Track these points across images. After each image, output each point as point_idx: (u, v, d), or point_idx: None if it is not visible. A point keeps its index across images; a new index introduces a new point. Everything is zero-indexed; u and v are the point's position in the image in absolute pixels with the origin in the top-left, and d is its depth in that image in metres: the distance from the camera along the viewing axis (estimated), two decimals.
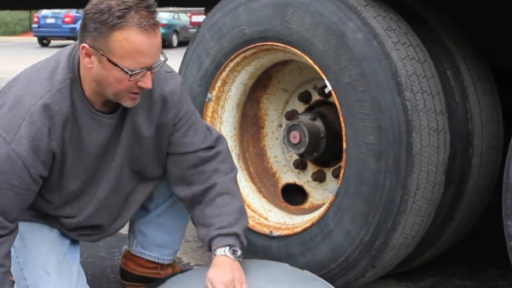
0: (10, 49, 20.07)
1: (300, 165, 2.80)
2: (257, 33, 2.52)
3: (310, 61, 2.37)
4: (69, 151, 2.05)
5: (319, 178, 2.73)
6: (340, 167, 2.43)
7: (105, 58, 1.91)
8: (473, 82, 2.42)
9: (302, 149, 2.60)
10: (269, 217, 2.68)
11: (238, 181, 2.74)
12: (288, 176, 2.84)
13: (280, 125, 2.86)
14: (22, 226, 2.18)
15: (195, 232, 2.83)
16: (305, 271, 2.28)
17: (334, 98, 2.33)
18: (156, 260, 2.55)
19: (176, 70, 2.57)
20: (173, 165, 2.26)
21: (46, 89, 1.99)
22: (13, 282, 2.27)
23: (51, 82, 2.00)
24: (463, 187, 2.41)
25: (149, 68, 1.95)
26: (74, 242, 2.33)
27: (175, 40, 22.29)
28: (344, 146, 2.31)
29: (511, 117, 2.64)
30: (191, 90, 2.71)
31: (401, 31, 2.27)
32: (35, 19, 23.45)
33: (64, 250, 2.24)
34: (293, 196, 2.82)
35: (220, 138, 2.29)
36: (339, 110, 2.31)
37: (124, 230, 2.69)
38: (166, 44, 20.84)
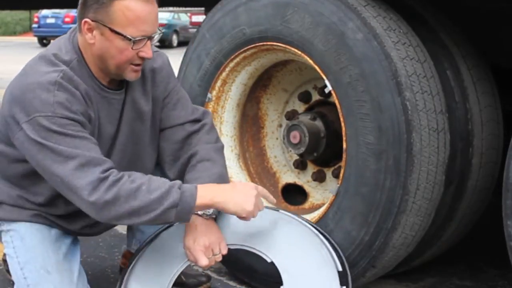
0: (10, 49, 20.08)
1: (300, 165, 2.80)
2: (257, 33, 2.52)
3: (310, 61, 2.37)
4: (92, 127, 2.08)
5: (319, 178, 2.73)
6: (340, 167, 2.43)
7: (107, 28, 1.98)
8: (473, 82, 2.42)
9: (302, 149, 2.60)
10: None
11: (238, 181, 2.76)
12: (288, 176, 2.84)
13: (280, 125, 2.86)
14: (22, 226, 2.18)
15: None
16: (281, 211, 2.28)
17: (334, 98, 2.33)
18: None
19: (176, 70, 2.58)
20: (163, 141, 2.30)
21: (63, 65, 2.03)
22: (13, 282, 2.27)
23: (62, 62, 2.04)
24: (463, 187, 2.41)
25: (149, 37, 2.02)
26: (74, 242, 2.33)
27: (175, 40, 22.29)
28: (344, 146, 2.31)
29: (511, 117, 2.64)
30: (191, 90, 2.71)
31: (401, 31, 2.27)
32: (35, 19, 23.46)
33: (64, 249, 2.24)
34: (293, 196, 2.82)
35: (206, 112, 2.34)
36: (339, 110, 2.31)
37: (124, 230, 2.70)
38: (166, 44, 20.83)
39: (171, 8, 19.26)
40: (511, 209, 1.92)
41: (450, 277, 2.76)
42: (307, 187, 2.79)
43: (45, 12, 22.51)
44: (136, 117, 2.21)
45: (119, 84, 2.15)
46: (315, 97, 2.75)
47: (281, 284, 2.13)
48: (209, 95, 2.72)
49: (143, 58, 2.04)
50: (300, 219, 2.25)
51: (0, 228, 2.25)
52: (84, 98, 2.03)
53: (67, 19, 22.58)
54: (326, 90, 2.36)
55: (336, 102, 2.31)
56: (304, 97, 2.78)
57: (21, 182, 2.18)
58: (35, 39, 23.79)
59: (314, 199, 2.75)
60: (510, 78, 2.82)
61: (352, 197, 2.29)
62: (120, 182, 1.94)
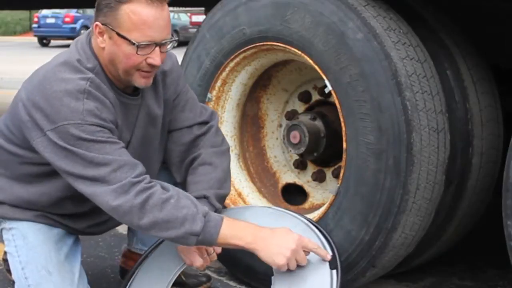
0: (10, 49, 20.08)
1: (300, 165, 2.80)
2: (257, 33, 2.52)
3: (310, 61, 2.37)
4: (119, 128, 2.09)
5: (319, 178, 2.73)
6: (340, 167, 2.43)
7: (114, 32, 1.97)
8: (473, 82, 2.42)
9: (302, 149, 2.60)
10: None
11: (238, 181, 2.76)
12: (288, 176, 2.84)
13: (280, 125, 2.86)
14: (25, 225, 2.18)
15: None
16: (272, 207, 2.30)
17: (334, 98, 2.33)
18: None
19: None
20: (171, 143, 2.30)
21: (89, 73, 2.02)
22: (13, 282, 2.27)
23: (86, 69, 2.03)
24: (463, 187, 2.41)
25: (158, 44, 1.99)
26: (76, 242, 2.33)
27: None
28: (344, 146, 2.31)
29: (511, 117, 2.64)
30: None
31: (401, 31, 2.27)
32: (35, 19, 23.48)
33: (66, 250, 2.24)
34: (293, 196, 2.82)
35: (214, 114, 2.34)
36: (339, 110, 2.31)
37: (124, 230, 2.70)
38: None
39: (171, 8, 19.21)
40: (511, 209, 1.92)
41: (450, 277, 2.76)
42: (307, 187, 2.79)
43: (45, 12, 22.53)
44: (149, 122, 2.20)
45: (135, 89, 2.13)
46: (315, 97, 2.75)
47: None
48: (209, 95, 2.72)
49: (151, 65, 2.01)
50: (290, 212, 2.26)
51: (1, 226, 2.24)
52: (113, 105, 2.03)
53: (67, 19, 22.61)
54: (326, 90, 2.36)
55: (336, 102, 2.31)
56: (304, 97, 2.78)
57: (30, 183, 2.17)
58: (35, 39, 23.80)
59: (314, 199, 2.75)
60: (510, 78, 2.82)
61: (352, 197, 2.29)
62: (151, 190, 1.94)
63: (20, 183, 2.18)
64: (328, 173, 2.72)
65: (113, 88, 2.07)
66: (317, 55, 2.34)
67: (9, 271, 2.48)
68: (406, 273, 2.66)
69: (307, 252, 2.01)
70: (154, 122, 2.22)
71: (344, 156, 2.32)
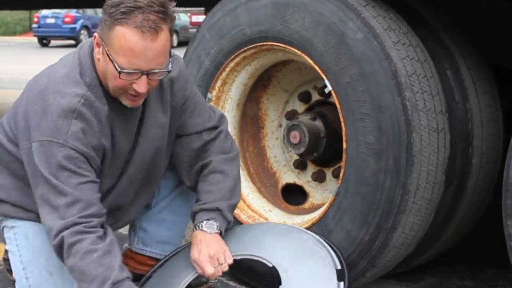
0: (10, 49, 20.07)
1: (300, 165, 2.80)
2: (257, 33, 2.52)
3: (310, 61, 2.37)
4: (107, 148, 2.08)
5: (319, 178, 2.73)
6: (340, 167, 2.43)
7: (105, 50, 1.94)
8: (473, 82, 2.42)
9: (302, 149, 2.60)
10: (269, 217, 2.68)
11: None
12: (288, 176, 2.84)
13: (280, 125, 2.86)
14: (27, 225, 2.18)
15: None
16: (283, 224, 2.33)
17: (334, 98, 2.33)
18: (158, 257, 2.55)
19: None
20: (179, 148, 2.30)
21: (84, 89, 2.01)
22: (13, 281, 2.27)
23: (84, 82, 2.02)
24: (463, 187, 2.41)
25: (145, 73, 1.95)
26: None
27: (175, 40, 22.27)
28: (344, 146, 2.31)
29: (511, 117, 2.64)
30: None
31: (401, 31, 2.27)
32: (35, 19, 23.47)
33: None
34: (293, 196, 2.82)
35: (222, 117, 2.34)
36: (339, 110, 2.31)
37: (124, 230, 2.69)
38: None
39: None
40: (511, 209, 1.92)
41: (450, 277, 2.76)
42: (307, 187, 2.79)
43: (45, 12, 22.52)
44: (155, 131, 2.20)
45: None
46: (315, 97, 2.75)
47: (280, 283, 2.13)
48: (209, 95, 2.72)
49: (135, 91, 1.98)
50: (301, 229, 2.32)
51: (3, 224, 2.24)
52: (102, 124, 2.02)
53: (67, 19, 22.61)
54: (326, 90, 2.36)
55: (336, 102, 2.32)
56: (304, 97, 2.78)
57: (30, 186, 2.17)
58: (35, 39, 23.79)
59: (314, 199, 2.75)
60: (510, 78, 2.82)
61: (352, 197, 2.29)
62: (85, 235, 1.95)
63: (21, 185, 2.18)
64: (328, 173, 2.72)
65: (110, 100, 2.05)
66: (317, 55, 2.34)
67: (9, 270, 2.48)
68: (406, 273, 2.66)
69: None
70: (160, 130, 2.21)
71: (344, 156, 2.32)
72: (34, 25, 23.52)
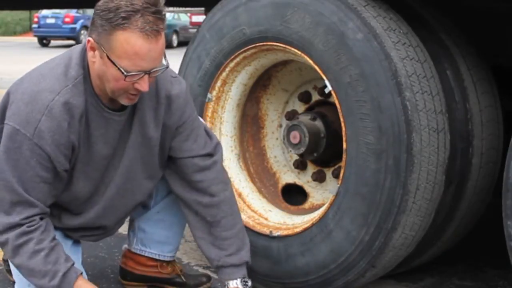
0: (10, 49, 20.07)
1: (300, 165, 2.80)
2: (257, 33, 2.52)
3: (310, 61, 2.37)
4: (81, 147, 2.09)
5: (319, 178, 2.73)
6: (340, 167, 2.43)
7: (105, 54, 1.95)
8: (473, 82, 2.42)
9: (302, 149, 2.60)
10: (269, 217, 2.68)
11: (238, 182, 2.76)
12: (288, 176, 2.84)
13: (280, 125, 2.85)
14: None
15: None
16: None
17: (334, 98, 2.33)
18: (157, 257, 2.55)
19: (176, 70, 2.58)
20: (173, 167, 2.32)
21: (63, 84, 2.02)
22: (14, 282, 2.27)
23: (66, 77, 2.04)
24: (463, 187, 2.41)
25: (147, 72, 1.97)
26: (76, 242, 2.34)
27: (175, 40, 22.30)
28: (344, 146, 2.31)
29: (511, 117, 2.64)
30: (191, 90, 2.71)
31: (401, 31, 2.27)
32: (35, 19, 23.46)
33: (66, 250, 2.24)
34: (293, 196, 2.82)
35: (218, 146, 2.34)
36: (339, 110, 2.31)
37: (124, 230, 2.69)
38: (166, 44, 20.73)
39: (171, 8, 19.22)
40: (511, 209, 1.92)
41: (450, 277, 2.76)
42: (307, 187, 2.79)
43: (45, 12, 22.52)
44: (142, 142, 2.19)
45: (122, 105, 2.10)
46: (315, 97, 2.75)
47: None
48: (209, 95, 2.72)
49: (138, 90, 2.00)
50: None
51: None
52: (75, 122, 2.02)
53: (67, 19, 22.60)
54: (326, 90, 2.36)
55: (336, 102, 2.31)
56: (304, 97, 2.78)
57: None
58: (35, 39, 23.79)
59: (314, 199, 2.75)
60: (510, 78, 2.82)
61: (352, 197, 2.29)
62: (30, 236, 2.04)
63: None
64: (328, 173, 2.72)
65: (95, 99, 2.06)
66: (317, 55, 2.34)
67: (9, 271, 2.48)
68: (406, 273, 2.66)
69: None
70: (148, 143, 2.20)
71: (344, 156, 2.32)
72: (34, 25, 23.51)
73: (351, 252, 2.31)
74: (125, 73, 1.94)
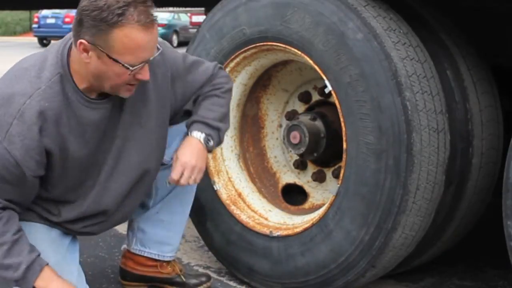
0: (10, 49, 20.06)
1: (300, 165, 2.80)
2: (257, 33, 2.52)
3: (310, 61, 2.37)
4: (72, 145, 2.07)
5: (319, 178, 2.73)
6: (340, 167, 2.43)
7: (105, 54, 1.94)
8: (473, 82, 2.42)
9: (302, 149, 2.60)
10: (269, 217, 2.68)
11: (238, 182, 2.76)
12: (288, 176, 2.84)
13: (280, 125, 2.85)
14: (22, 226, 2.18)
15: (195, 232, 2.86)
16: None
17: (334, 98, 2.33)
18: (157, 257, 2.55)
19: None
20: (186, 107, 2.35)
21: (36, 87, 2.00)
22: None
23: (39, 79, 2.01)
24: (463, 187, 2.40)
25: (147, 61, 2.00)
26: (73, 242, 2.33)
27: (175, 40, 22.29)
28: (344, 146, 2.31)
29: (511, 117, 2.64)
30: None
31: (401, 31, 2.27)
32: (35, 19, 23.46)
33: (63, 250, 2.24)
34: (293, 196, 2.82)
35: (215, 66, 2.39)
36: (339, 110, 2.31)
37: (123, 230, 2.69)
38: None
39: (171, 8, 19.24)
40: (511, 209, 1.92)
41: (450, 277, 2.76)
42: (307, 187, 2.79)
43: (45, 12, 22.51)
44: (133, 120, 2.18)
45: (101, 93, 2.09)
46: (315, 97, 2.75)
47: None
48: None
49: (139, 80, 2.02)
50: None
51: None
52: (47, 126, 2.00)
53: (67, 19, 22.57)
54: (326, 90, 2.36)
55: (336, 102, 2.31)
56: (304, 97, 2.78)
57: None
58: (35, 39, 23.78)
59: (314, 199, 2.75)
60: (510, 78, 2.82)
61: (352, 197, 2.29)
62: None
63: None
64: (328, 173, 2.72)
65: (79, 95, 2.04)
66: (317, 55, 2.34)
67: None
68: (406, 273, 2.66)
69: None
70: (139, 121, 2.19)
71: (344, 156, 2.32)
72: (34, 25, 23.51)
73: (351, 252, 2.31)
74: (130, 68, 1.95)
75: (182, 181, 2.22)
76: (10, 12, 24.98)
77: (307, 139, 2.57)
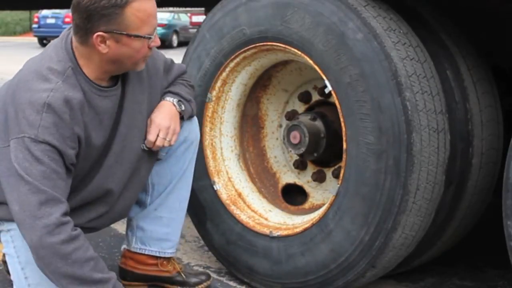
0: (10, 49, 20.07)
1: (300, 165, 2.80)
2: (257, 33, 2.52)
3: (310, 61, 2.37)
4: (92, 133, 2.13)
5: (319, 178, 2.73)
6: (340, 167, 2.43)
7: (124, 35, 2.04)
8: (473, 82, 2.42)
9: (302, 149, 2.60)
10: (269, 217, 2.68)
11: (238, 182, 2.77)
12: (288, 176, 2.84)
13: (280, 125, 2.85)
14: None
15: (195, 232, 2.86)
16: None
17: (334, 98, 2.33)
18: (157, 254, 2.56)
19: None
20: None
21: (54, 81, 2.05)
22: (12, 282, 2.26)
23: (54, 75, 2.06)
24: (463, 187, 2.40)
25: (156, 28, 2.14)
26: None
27: (175, 40, 22.29)
28: (344, 146, 2.31)
29: (511, 117, 2.64)
30: None
31: (401, 31, 2.27)
32: (35, 19, 23.46)
33: None
34: (293, 196, 2.82)
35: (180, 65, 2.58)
36: (339, 110, 2.31)
37: (123, 230, 2.70)
38: (166, 44, 20.82)
39: (171, 8, 19.24)
40: (511, 209, 1.92)
41: (450, 277, 2.76)
42: (307, 187, 2.79)
43: (45, 12, 22.52)
44: (135, 107, 2.27)
45: (113, 79, 2.20)
46: (315, 97, 2.75)
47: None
48: (209, 95, 2.72)
49: (151, 48, 2.14)
50: None
51: (0, 228, 2.24)
52: (75, 112, 2.05)
53: (67, 19, 22.55)
54: (326, 90, 2.36)
55: (336, 102, 2.31)
56: (304, 97, 2.78)
57: None
58: (35, 39, 23.78)
59: (314, 199, 2.75)
60: (510, 78, 2.82)
61: (352, 197, 2.29)
62: (77, 243, 2.01)
63: None
64: (328, 173, 2.72)
65: (91, 85, 2.12)
66: (317, 55, 2.34)
67: (9, 272, 2.48)
68: (406, 273, 2.66)
69: None
70: (139, 106, 2.28)
71: (344, 156, 2.32)
72: (34, 25, 23.51)
73: (351, 252, 2.31)
74: (150, 37, 2.08)
75: (158, 142, 2.32)
76: (10, 12, 24.98)
77: (307, 139, 2.57)
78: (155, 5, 2.10)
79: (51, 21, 22.83)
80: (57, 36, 2.29)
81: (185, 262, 2.92)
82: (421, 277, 2.75)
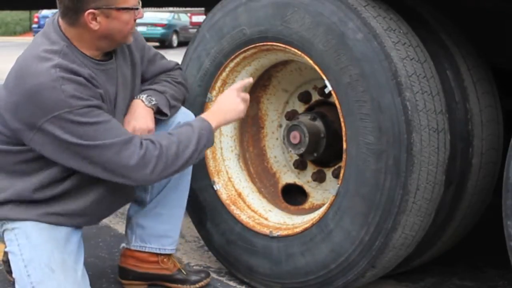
0: (10, 49, 20.05)
1: (300, 165, 2.80)
2: (257, 33, 2.52)
3: (310, 61, 2.37)
4: (103, 106, 2.16)
5: (319, 178, 2.73)
6: (340, 167, 2.43)
7: (113, 9, 2.11)
8: (473, 82, 2.42)
9: (302, 149, 2.60)
10: (269, 217, 2.68)
11: (238, 181, 2.77)
12: (288, 176, 2.84)
13: (280, 125, 2.86)
14: (28, 225, 2.19)
15: (195, 232, 2.86)
16: None
17: (334, 98, 2.33)
18: (157, 251, 2.56)
19: None
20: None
21: (55, 59, 2.08)
22: (13, 282, 2.27)
23: (52, 54, 2.10)
24: (463, 187, 2.41)
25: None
26: (79, 242, 2.33)
27: (175, 40, 22.28)
28: (344, 146, 2.31)
29: (511, 117, 2.64)
30: (191, 90, 2.71)
31: (401, 31, 2.27)
32: (35, 19, 23.48)
33: (69, 249, 2.25)
34: (293, 196, 2.82)
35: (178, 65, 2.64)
36: (339, 110, 2.31)
37: (123, 230, 2.70)
38: (166, 44, 20.82)
39: (171, 9, 19.24)
40: (511, 209, 1.92)
41: (450, 277, 2.76)
42: (307, 187, 2.79)
43: (45, 12, 22.50)
44: (124, 82, 2.33)
45: (108, 54, 2.27)
46: (315, 97, 2.75)
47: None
48: (209, 95, 2.72)
49: (135, 21, 2.22)
50: None
51: (4, 227, 2.25)
52: (89, 81, 2.12)
53: None
54: (326, 90, 2.36)
55: (336, 102, 2.31)
56: (304, 97, 2.78)
57: (30, 174, 2.19)
58: None
59: (314, 199, 2.75)
60: (510, 78, 2.82)
61: (352, 197, 2.29)
62: (163, 152, 2.14)
63: (21, 178, 2.18)
64: (328, 173, 2.72)
65: (89, 60, 2.18)
66: (317, 56, 2.34)
67: (9, 272, 2.48)
68: (406, 273, 2.66)
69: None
70: (126, 82, 2.34)
71: (344, 156, 2.32)
72: (34, 25, 23.54)
73: (351, 252, 2.31)
74: (137, 7, 2.16)
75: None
76: (10, 12, 24.98)
77: (307, 139, 2.57)
78: None
79: None
80: None
81: (185, 262, 2.91)
82: (421, 277, 2.75)
